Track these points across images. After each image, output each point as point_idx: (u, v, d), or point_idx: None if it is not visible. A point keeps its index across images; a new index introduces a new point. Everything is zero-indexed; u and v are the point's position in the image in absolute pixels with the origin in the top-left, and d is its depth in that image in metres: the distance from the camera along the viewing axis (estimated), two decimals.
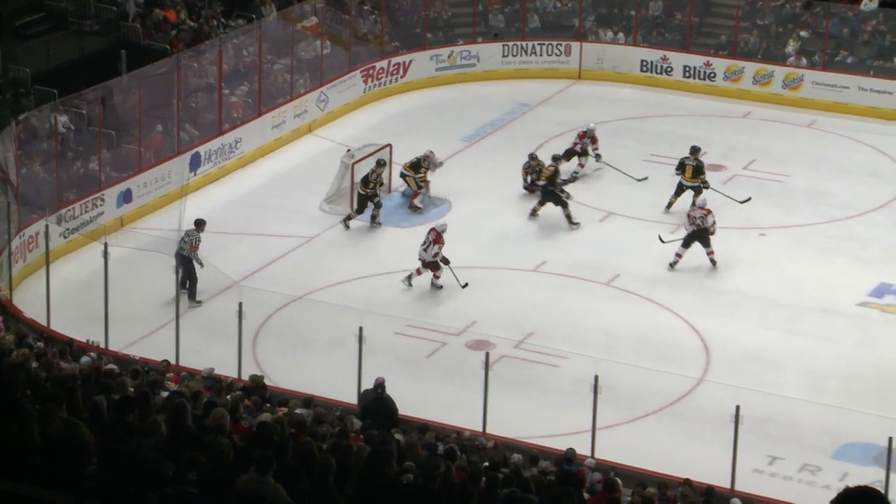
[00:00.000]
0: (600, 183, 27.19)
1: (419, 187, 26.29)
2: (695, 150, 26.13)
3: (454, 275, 22.98)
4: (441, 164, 26.79)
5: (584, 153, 27.41)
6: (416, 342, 21.56)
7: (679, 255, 24.05)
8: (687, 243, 24.02)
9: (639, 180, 26.75)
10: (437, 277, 23.14)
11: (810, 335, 21.89)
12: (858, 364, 21.08)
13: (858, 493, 7.15)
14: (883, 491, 15.66)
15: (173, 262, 21.67)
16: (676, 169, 26.01)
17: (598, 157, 27.43)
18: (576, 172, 27.26)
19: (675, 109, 31.08)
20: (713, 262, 24.04)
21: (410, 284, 23.13)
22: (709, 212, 24.13)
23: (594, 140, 27.39)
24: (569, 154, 27.20)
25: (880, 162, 28.57)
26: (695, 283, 23.51)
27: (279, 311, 22.34)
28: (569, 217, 25.45)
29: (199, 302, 22.46)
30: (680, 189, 25.80)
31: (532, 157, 26.79)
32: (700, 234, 23.93)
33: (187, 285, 22.38)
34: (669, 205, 25.91)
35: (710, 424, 18.49)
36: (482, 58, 33.21)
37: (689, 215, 24.20)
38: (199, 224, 22.85)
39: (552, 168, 25.82)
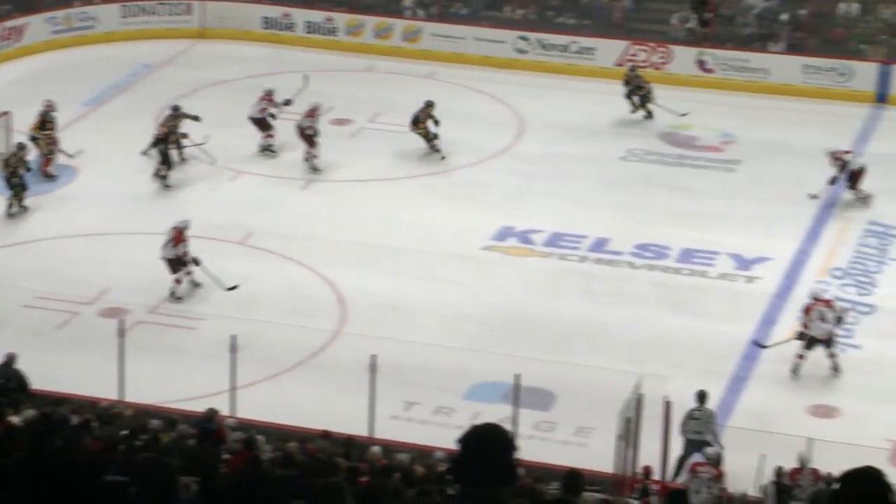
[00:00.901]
0: (235, 140, 26.89)
1: (50, 153, 25.53)
2: (428, 104, 26.71)
3: (211, 276, 21.53)
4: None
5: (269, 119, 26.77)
6: (46, 314, 20.98)
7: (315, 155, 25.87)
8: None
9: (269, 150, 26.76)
10: (187, 274, 21.62)
11: (441, 280, 22.58)
12: (486, 306, 21.89)
13: (482, 430, 7.55)
14: (510, 426, 16.44)
15: None
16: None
17: (286, 101, 26.69)
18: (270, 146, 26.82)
19: (299, 65, 31.17)
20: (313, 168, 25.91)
21: (179, 297, 21.54)
22: (313, 115, 25.79)
23: (272, 100, 26.88)
24: (264, 124, 26.58)
25: (498, 110, 29.62)
26: (327, 236, 23.83)
27: None
28: (164, 178, 25.25)
29: None
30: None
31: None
32: (304, 136, 25.78)
33: None
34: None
35: (348, 376, 18.82)
36: (101, 19, 32.46)
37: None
38: None
39: (165, 129, 25.55)
